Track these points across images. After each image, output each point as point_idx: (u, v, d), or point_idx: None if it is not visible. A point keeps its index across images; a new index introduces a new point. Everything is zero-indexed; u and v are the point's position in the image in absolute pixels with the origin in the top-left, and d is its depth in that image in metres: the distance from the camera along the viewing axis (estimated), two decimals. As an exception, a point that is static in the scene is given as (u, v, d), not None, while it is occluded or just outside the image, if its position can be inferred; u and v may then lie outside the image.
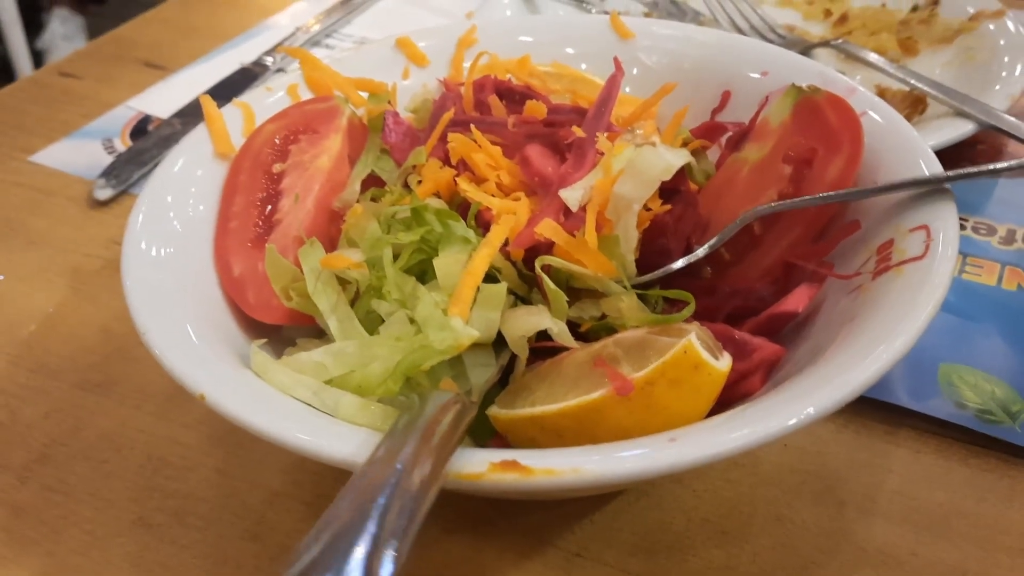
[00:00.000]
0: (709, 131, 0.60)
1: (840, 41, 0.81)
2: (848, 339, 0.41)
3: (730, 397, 0.44)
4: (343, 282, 0.50)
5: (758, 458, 0.51)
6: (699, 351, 0.40)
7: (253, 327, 0.51)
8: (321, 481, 0.51)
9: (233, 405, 0.39)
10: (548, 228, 0.48)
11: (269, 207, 0.55)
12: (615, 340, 0.44)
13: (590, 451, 0.37)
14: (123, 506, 0.51)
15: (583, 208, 0.49)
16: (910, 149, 0.51)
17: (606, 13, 0.70)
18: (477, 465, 0.36)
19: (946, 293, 0.41)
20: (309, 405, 0.43)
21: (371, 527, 0.28)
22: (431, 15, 1.06)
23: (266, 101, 0.60)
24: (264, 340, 0.47)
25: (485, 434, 0.46)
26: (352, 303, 0.49)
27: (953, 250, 0.44)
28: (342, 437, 0.38)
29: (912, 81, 0.73)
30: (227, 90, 0.88)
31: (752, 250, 0.52)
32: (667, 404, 0.40)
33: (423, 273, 0.49)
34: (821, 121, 0.53)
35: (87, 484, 0.52)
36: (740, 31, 0.87)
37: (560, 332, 0.46)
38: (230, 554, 0.48)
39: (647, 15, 0.94)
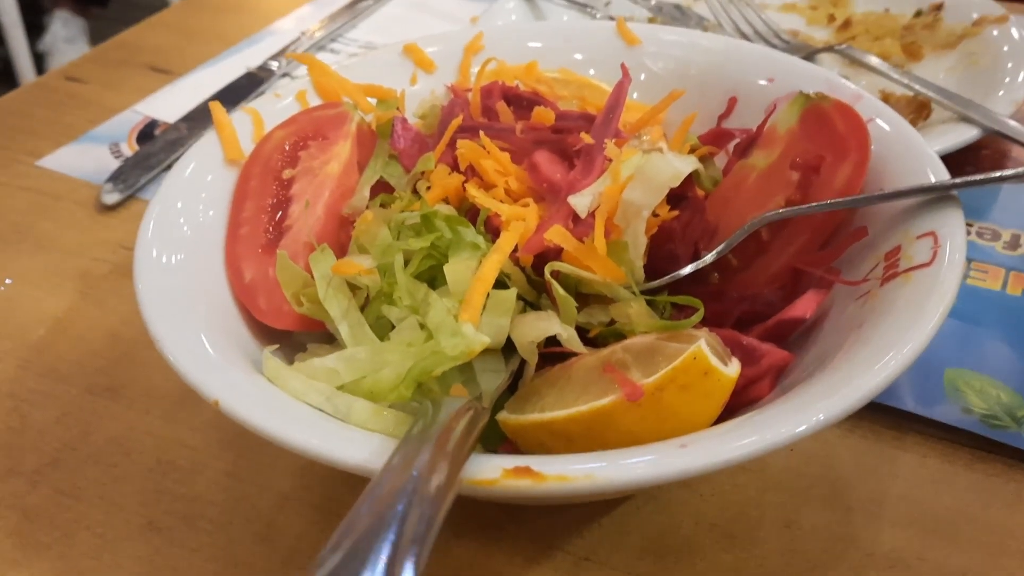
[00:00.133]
0: (717, 137, 0.60)
1: (844, 46, 0.81)
2: (856, 345, 0.42)
3: (738, 403, 0.44)
4: (353, 288, 0.50)
5: (765, 463, 0.51)
6: (708, 357, 0.40)
7: (264, 333, 0.51)
8: (331, 484, 0.51)
9: (248, 411, 0.39)
10: (557, 234, 0.48)
11: (279, 213, 0.55)
12: (624, 346, 0.44)
13: (601, 457, 0.37)
14: (133, 510, 0.51)
15: (592, 214, 0.49)
16: (917, 156, 0.51)
17: (611, 18, 0.70)
18: (490, 471, 0.36)
19: (954, 300, 0.42)
20: (322, 411, 0.43)
21: (391, 534, 0.28)
22: (436, 20, 1.06)
23: (275, 107, 0.60)
24: (276, 346, 0.47)
25: (495, 440, 0.46)
26: (362, 309, 0.49)
27: (961, 257, 0.44)
28: (356, 443, 0.38)
29: (916, 86, 0.74)
30: (233, 95, 0.88)
31: (760, 256, 0.53)
32: (677, 410, 0.40)
33: (433, 279, 0.49)
34: (828, 128, 0.53)
35: (97, 488, 0.52)
36: (744, 36, 0.87)
37: (569, 338, 0.46)
38: (240, 557, 0.48)
39: (651, 20, 0.95)
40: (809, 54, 0.83)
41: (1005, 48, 0.79)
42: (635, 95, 0.65)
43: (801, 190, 0.52)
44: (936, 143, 0.66)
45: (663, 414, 0.40)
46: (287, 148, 0.57)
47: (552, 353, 0.47)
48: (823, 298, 0.49)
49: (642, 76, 0.66)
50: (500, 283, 0.48)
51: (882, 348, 0.40)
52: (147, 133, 0.86)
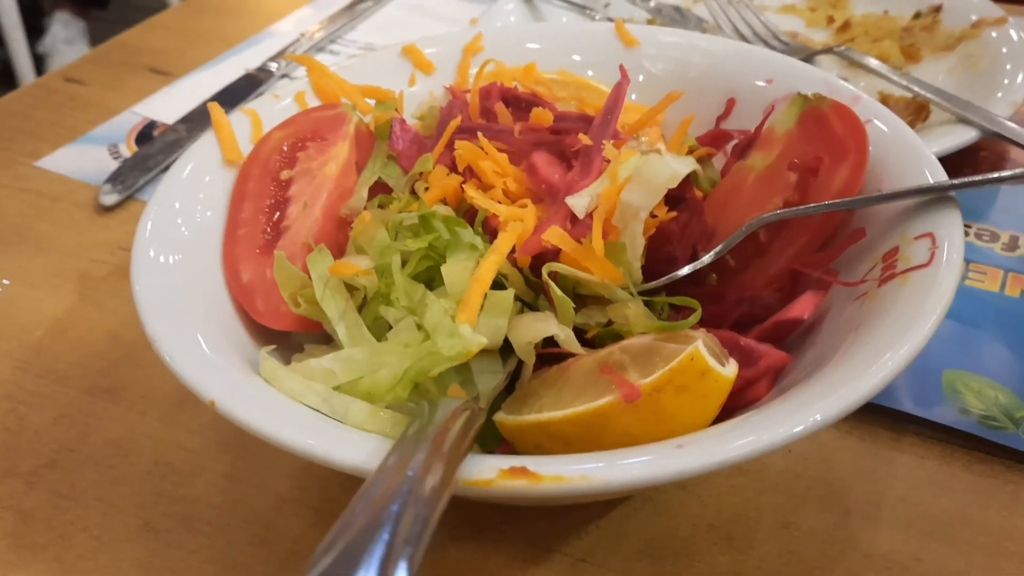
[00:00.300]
0: (715, 139, 0.60)
1: (843, 48, 0.81)
2: (854, 346, 0.42)
3: (736, 404, 0.44)
4: (351, 289, 0.50)
5: (763, 464, 0.51)
6: (706, 358, 0.40)
7: (262, 333, 0.51)
8: (329, 486, 0.51)
9: (244, 411, 0.39)
10: (555, 235, 0.48)
11: (277, 214, 0.55)
12: (622, 347, 0.44)
13: (598, 458, 0.37)
14: (131, 511, 0.51)
15: (590, 215, 0.49)
16: (915, 157, 0.51)
17: (610, 20, 0.70)
18: (487, 472, 0.36)
19: (951, 301, 0.42)
20: (319, 411, 0.43)
21: (385, 534, 0.28)
22: (435, 22, 1.06)
23: (273, 108, 0.60)
24: (273, 347, 0.47)
25: (492, 441, 0.46)
26: (360, 310, 0.49)
27: (959, 258, 0.44)
28: (353, 443, 0.38)
29: (915, 88, 0.74)
30: (232, 96, 0.88)
31: (758, 257, 0.53)
32: (674, 411, 0.40)
33: (430, 280, 0.49)
34: (826, 129, 0.53)
35: (95, 489, 0.52)
36: (743, 38, 0.87)
37: (567, 338, 0.46)
38: (238, 559, 0.48)
39: (651, 22, 0.95)
40: (808, 56, 0.83)
41: (1004, 50, 0.79)
42: (633, 96, 0.65)
43: (799, 191, 0.52)
44: (935, 145, 0.66)
45: (660, 415, 0.40)
46: (285, 149, 0.57)
47: (550, 354, 0.47)
48: (821, 299, 0.49)
49: (640, 77, 0.66)
50: (498, 284, 0.48)
51: (879, 349, 0.40)
52: (146, 134, 0.86)
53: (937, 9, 0.89)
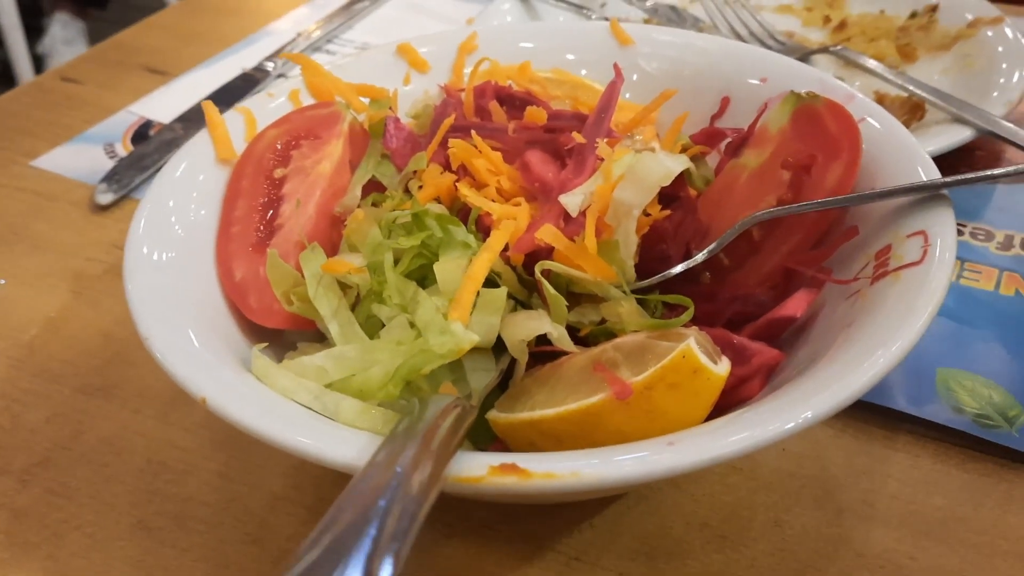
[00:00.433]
0: (709, 137, 0.60)
1: (839, 47, 0.81)
2: (846, 344, 0.42)
3: (729, 402, 0.44)
4: (344, 287, 0.50)
5: (757, 463, 0.51)
6: (698, 356, 0.40)
7: (255, 331, 0.51)
8: (322, 485, 0.51)
9: (235, 409, 0.39)
10: (548, 233, 0.48)
11: (271, 212, 0.55)
12: (614, 345, 0.44)
13: (589, 455, 0.37)
14: (124, 510, 0.51)
15: (583, 213, 0.49)
16: (908, 155, 0.51)
17: (606, 19, 0.70)
18: (477, 468, 0.36)
19: (943, 298, 0.42)
20: (310, 409, 0.43)
21: (371, 530, 0.28)
22: (432, 21, 1.06)
23: (268, 107, 0.60)
24: (265, 344, 0.47)
25: (485, 438, 0.46)
26: (353, 307, 0.49)
27: (951, 255, 0.44)
28: (344, 441, 0.38)
29: (911, 87, 0.74)
30: (228, 95, 0.88)
31: (751, 256, 0.53)
32: (666, 408, 0.40)
33: (423, 278, 0.49)
34: (820, 127, 0.53)
35: (88, 488, 0.52)
36: (740, 37, 0.87)
37: (560, 336, 0.46)
38: (231, 558, 0.48)
39: (647, 21, 0.95)
40: (804, 55, 0.83)
41: (1000, 49, 0.79)
42: (628, 95, 0.65)
43: (792, 189, 0.52)
44: (930, 144, 0.66)
45: (652, 413, 0.40)
46: (279, 147, 0.57)
47: (543, 352, 0.47)
48: (814, 297, 0.49)
49: (635, 76, 0.66)
50: (491, 282, 0.48)
51: (871, 346, 0.40)
52: (142, 134, 0.86)
53: (933, 9, 0.89)
